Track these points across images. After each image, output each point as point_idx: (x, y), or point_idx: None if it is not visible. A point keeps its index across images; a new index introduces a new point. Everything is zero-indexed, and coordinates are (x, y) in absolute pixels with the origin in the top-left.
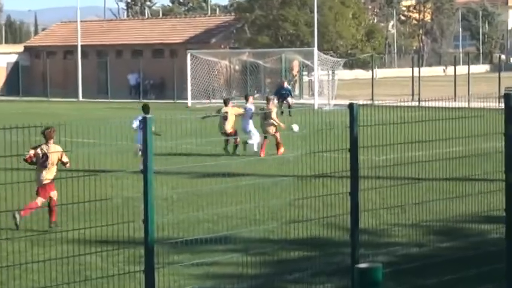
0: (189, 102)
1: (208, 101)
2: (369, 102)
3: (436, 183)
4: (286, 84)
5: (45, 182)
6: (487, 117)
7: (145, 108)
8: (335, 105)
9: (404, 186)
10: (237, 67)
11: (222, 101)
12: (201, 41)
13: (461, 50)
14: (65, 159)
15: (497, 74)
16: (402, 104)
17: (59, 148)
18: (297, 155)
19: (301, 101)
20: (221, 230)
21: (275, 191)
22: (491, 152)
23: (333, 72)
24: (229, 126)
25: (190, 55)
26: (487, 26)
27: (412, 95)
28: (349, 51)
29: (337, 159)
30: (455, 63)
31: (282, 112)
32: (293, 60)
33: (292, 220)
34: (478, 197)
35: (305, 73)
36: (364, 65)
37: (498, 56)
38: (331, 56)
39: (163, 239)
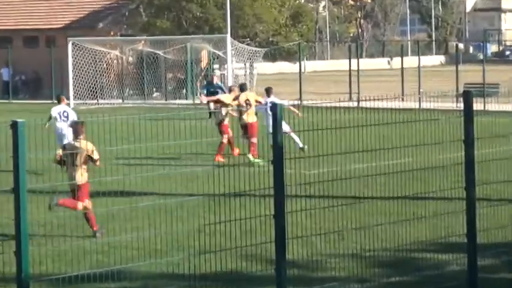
0: (72, 103)
1: (95, 101)
2: (296, 102)
3: (381, 203)
4: (216, 80)
5: (78, 183)
6: (442, 120)
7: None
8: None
9: (342, 207)
10: (130, 59)
11: (111, 101)
12: (85, 26)
13: (409, 38)
14: (95, 155)
15: (454, 67)
16: (337, 104)
17: (90, 145)
18: (207, 168)
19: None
20: (113, 264)
21: (181, 214)
22: (448, 164)
23: (251, 65)
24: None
25: (72, 44)
26: (440, 7)
27: (350, 93)
28: (270, 39)
29: (257, 174)
30: (402, 54)
31: (209, 115)
32: (201, 50)
33: (203, 250)
34: (433, 219)
35: (216, 66)
36: (290, 56)
37: (455, 44)
38: (248, 44)
39: (40, 275)
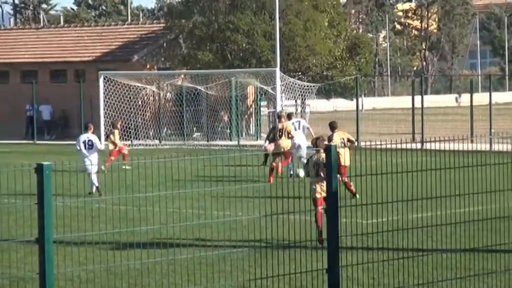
0: (102, 143)
1: (129, 142)
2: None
3: (447, 256)
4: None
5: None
6: None
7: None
8: (307, 147)
9: (402, 260)
10: (168, 95)
11: (147, 142)
12: (118, 58)
13: (479, 72)
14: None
15: None
16: (399, 146)
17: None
18: (252, 216)
19: (259, 141)
20: None
21: (223, 268)
22: None
23: (303, 102)
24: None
25: (104, 78)
26: None
27: (413, 133)
28: (324, 73)
29: (308, 223)
30: (471, 90)
31: (265, 158)
32: (247, 85)
33: None
34: (504, 275)
35: (264, 103)
36: (346, 91)
37: None
38: (299, 79)
39: None
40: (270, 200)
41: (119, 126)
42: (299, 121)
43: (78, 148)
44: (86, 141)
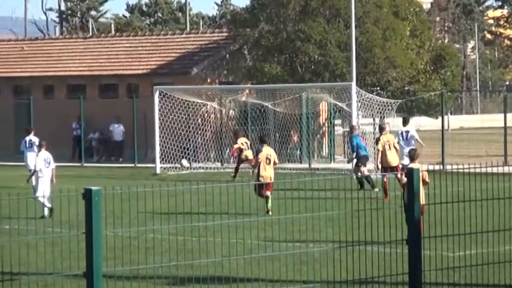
0: (158, 167)
1: (187, 165)
2: (438, 166)
3: None
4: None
5: None
6: None
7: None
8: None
9: None
10: (232, 112)
11: (208, 165)
12: (175, 71)
13: None
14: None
15: None
16: (489, 169)
17: None
18: (325, 248)
19: (332, 165)
20: None
21: None
22: None
23: (382, 121)
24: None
25: (159, 93)
26: None
27: (505, 155)
28: (406, 88)
29: (388, 256)
30: None
31: (360, 185)
32: (319, 101)
33: None
34: None
35: (338, 122)
36: (430, 108)
37: None
38: (378, 95)
39: None
40: (345, 228)
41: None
42: (408, 131)
43: (22, 150)
44: (27, 141)
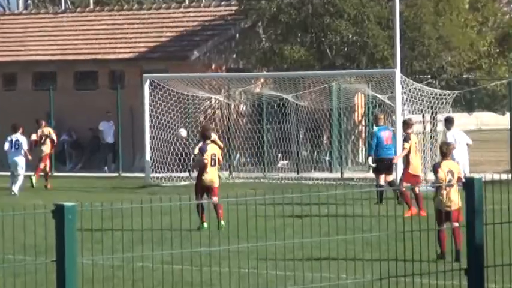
0: (148, 176)
1: (186, 174)
2: (506, 175)
3: None
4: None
5: None
6: None
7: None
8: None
9: None
10: (242, 107)
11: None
12: (171, 55)
13: None
14: None
15: None
16: None
17: None
18: (361, 280)
19: (371, 174)
20: None
21: None
22: None
23: (434, 118)
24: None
25: (151, 83)
26: None
27: None
28: (464, 76)
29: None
30: None
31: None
32: (354, 93)
33: None
34: None
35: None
36: (495, 102)
37: None
38: (429, 84)
39: None
40: (387, 255)
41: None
42: (459, 133)
43: (6, 148)
44: (13, 142)
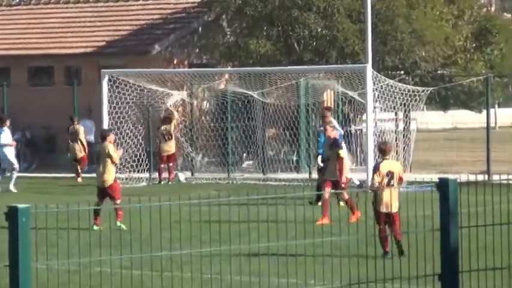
0: None
1: (146, 175)
2: (482, 176)
3: None
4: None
5: None
6: None
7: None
8: (411, 183)
9: None
10: (206, 105)
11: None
12: (130, 50)
13: None
14: None
15: None
16: None
17: None
18: (330, 286)
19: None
20: None
21: None
22: None
23: (407, 116)
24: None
25: (109, 79)
26: None
27: None
28: (439, 72)
29: None
30: None
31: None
32: (323, 89)
33: None
34: None
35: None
36: (472, 99)
37: None
38: (401, 81)
39: None
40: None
41: None
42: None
43: None
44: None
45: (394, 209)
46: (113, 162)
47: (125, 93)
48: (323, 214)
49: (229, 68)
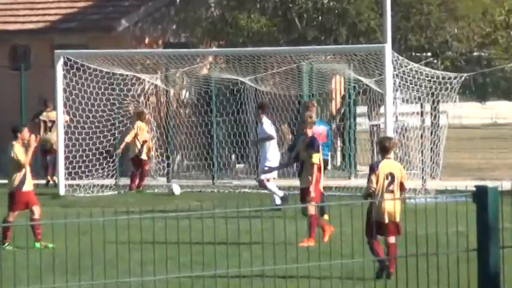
0: (61, 184)
1: (112, 181)
2: None
3: None
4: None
5: None
6: None
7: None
8: (441, 192)
9: None
10: (185, 94)
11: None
12: (91, 26)
13: None
14: None
15: None
16: None
17: None
18: None
19: (352, 181)
20: None
21: None
22: None
23: (435, 109)
24: None
25: (65, 62)
26: None
27: None
28: (475, 54)
29: None
30: None
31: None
32: (331, 74)
33: None
34: None
35: (361, 110)
36: None
37: None
38: (428, 65)
39: None
40: (373, 286)
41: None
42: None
43: None
44: None
45: (391, 218)
46: (20, 166)
47: (84, 80)
48: (308, 233)
49: (214, 49)
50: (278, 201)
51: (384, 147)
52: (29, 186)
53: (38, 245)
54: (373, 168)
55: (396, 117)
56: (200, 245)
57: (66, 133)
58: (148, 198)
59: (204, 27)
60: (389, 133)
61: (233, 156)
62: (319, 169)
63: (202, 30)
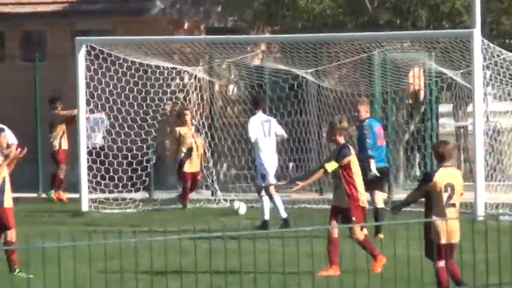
0: (84, 199)
1: (143, 194)
2: None
3: None
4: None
5: None
6: None
7: None
8: None
9: None
10: (233, 89)
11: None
12: (119, 9)
13: None
14: None
15: None
16: None
17: None
18: None
19: None
20: None
21: None
22: None
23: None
24: None
25: (88, 52)
26: None
27: None
28: None
29: None
30: None
31: None
32: (409, 66)
33: None
34: None
35: (444, 109)
36: None
37: None
38: None
39: None
40: None
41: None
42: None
43: None
44: None
45: (456, 237)
46: None
47: (112, 72)
48: (330, 260)
49: (267, 35)
50: (284, 214)
51: (440, 155)
52: (8, 202)
53: (16, 272)
54: (427, 179)
55: (487, 117)
56: (252, 273)
57: (89, 137)
58: (189, 215)
59: (256, 9)
60: (479, 136)
61: (291, 165)
62: (357, 182)
63: (253, 13)
